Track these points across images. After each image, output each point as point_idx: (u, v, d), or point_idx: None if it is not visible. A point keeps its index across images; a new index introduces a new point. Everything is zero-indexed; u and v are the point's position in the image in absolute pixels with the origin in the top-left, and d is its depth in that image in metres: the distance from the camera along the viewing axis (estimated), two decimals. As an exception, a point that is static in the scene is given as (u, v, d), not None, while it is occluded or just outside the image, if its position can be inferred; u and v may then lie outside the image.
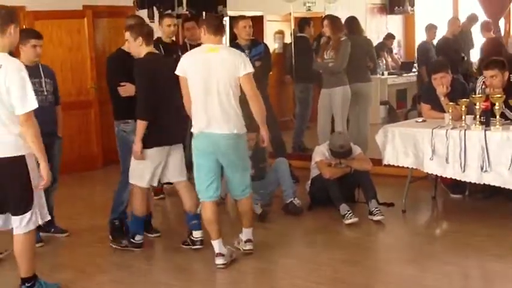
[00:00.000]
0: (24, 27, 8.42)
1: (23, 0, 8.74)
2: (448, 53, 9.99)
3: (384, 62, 12.83)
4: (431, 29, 10.92)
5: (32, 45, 5.89)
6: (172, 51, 7.87)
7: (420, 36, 11.87)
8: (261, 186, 6.92)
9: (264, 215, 6.70)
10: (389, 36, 13.01)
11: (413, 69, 12.36)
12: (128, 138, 6.01)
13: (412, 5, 13.94)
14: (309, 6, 12.08)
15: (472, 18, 10.66)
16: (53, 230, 6.38)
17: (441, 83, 6.88)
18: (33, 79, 5.06)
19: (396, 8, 14.04)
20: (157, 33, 8.06)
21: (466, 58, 10.19)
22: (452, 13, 11.23)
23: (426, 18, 11.76)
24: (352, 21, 8.96)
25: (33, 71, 5.50)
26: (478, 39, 10.51)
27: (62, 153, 6.40)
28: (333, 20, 8.34)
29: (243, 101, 5.48)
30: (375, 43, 13.15)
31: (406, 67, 13.12)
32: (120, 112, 6.10)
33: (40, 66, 6.08)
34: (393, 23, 14.32)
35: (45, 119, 5.24)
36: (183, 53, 8.03)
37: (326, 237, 6.32)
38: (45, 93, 6.05)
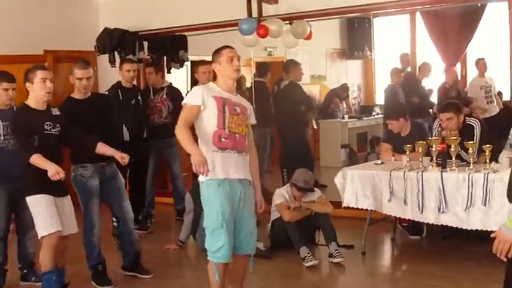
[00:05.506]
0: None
1: (-17, 45, 8.73)
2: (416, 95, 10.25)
3: (340, 107, 13.02)
4: (396, 73, 11.11)
5: (4, 88, 5.70)
6: (131, 96, 7.89)
7: (379, 80, 12.09)
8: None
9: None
10: (344, 88, 13.19)
11: (373, 113, 12.54)
12: (86, 183, 5.89)
13: (371, 50, 14.21)
14: (270, 51, 12.22)
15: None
16: (33, 278, 6.06)
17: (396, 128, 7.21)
18: (5, 122, 5.62)
19: (356, 52, 14.28)
20: (118, 77, 8.10)
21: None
22: (410, 58, 11.45)
23: (385, 63, 11.98)
24: None
25: (6, 114, 5.65)
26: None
27: None
28: None
29: None
30: (334, 86, 13.47)
31: (366, 110, 13.30)
32: (78, 155, 5.90)
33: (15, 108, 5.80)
34: (353, 68, 14.56)
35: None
36: (144, 98, 8.12)
37: (286, 280, 6.30)
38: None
